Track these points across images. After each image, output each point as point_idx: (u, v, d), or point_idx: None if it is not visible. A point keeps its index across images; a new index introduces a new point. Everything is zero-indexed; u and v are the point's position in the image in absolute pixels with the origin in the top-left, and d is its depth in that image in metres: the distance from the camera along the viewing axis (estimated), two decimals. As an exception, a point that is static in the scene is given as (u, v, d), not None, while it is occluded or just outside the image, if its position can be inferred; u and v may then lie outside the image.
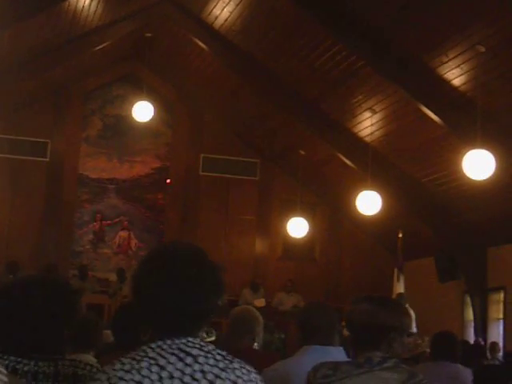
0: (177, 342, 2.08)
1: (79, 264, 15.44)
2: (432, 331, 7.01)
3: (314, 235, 16.33)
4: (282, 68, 13.27)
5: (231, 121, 16.60)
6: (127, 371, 2.02)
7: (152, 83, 15.93)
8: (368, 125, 13.02)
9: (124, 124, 16.18)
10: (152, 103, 13.93)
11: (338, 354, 3.72)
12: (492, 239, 13.33)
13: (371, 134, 13.12)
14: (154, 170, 16.68)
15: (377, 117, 12.74)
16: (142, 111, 13.89)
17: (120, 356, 2.11)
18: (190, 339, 2.10)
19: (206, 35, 13.34)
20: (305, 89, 13.48)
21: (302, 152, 15.27)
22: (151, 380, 2.00)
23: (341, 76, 12.21)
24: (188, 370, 2.03)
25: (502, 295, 13.68)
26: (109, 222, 16.28)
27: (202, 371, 2.04)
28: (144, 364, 2.03)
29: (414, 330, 12.57)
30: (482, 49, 9.57)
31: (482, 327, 13.68)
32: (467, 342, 10.27)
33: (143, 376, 2.00)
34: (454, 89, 10.70)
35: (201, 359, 2.06)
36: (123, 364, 2.05)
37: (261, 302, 14.67)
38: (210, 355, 2.09)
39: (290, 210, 15.82)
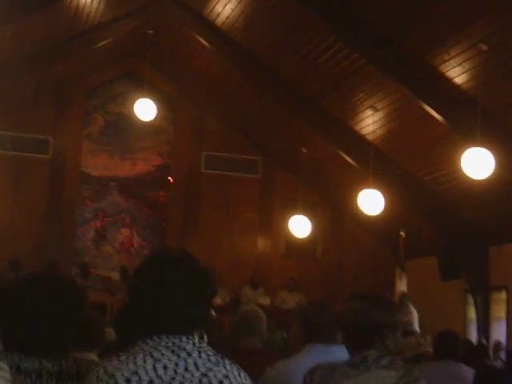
0: (171, 338, 2.19)
1: (81, 262, 15.45)
2: (434, 330, 7.01)
3: (315, 233, 16.27)
4: (284, 66, 13.26)
5: (233, 118, 16.58)
6: (123, 362, 2.13)
7: (154, 80, 15.87)
8: (370, 123, 13.01)
9: (126, 121, 16.14)
10: (154, 100, 13.88)
11: (340, 352, 3.70)
12: (494, 238, 13.31)
13: (373, 131, 13.10)
14: (156, 168, 16.66)
15: (378, 115, 12.72)
16: (144, 109, 13.86)
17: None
18: (184, 337, 2.21)
19: (208, 32, 13.33)
20: (307, 87, 13.47)
21: (304, 150, 15.25)
22: (146, 369, 2.10)
23: (343, 74, 12.19)
24: (182, 363, 2.15)
25: (504, 294, 13.65)
26: (110, 219, 16.28)
27: (195, 364, 2.16)
28: (139, 356, 2.14)
29: (417, 329, 12.57)
30: (484, 47, 9.54)
31: (484, 326, 13.66)
32: (469, 341, 10.25)
33: (138, 365, 2.11)
34: (456, 87, 10.68)
35: (194, 353, 2.18)
36: (119, 356, 2.16)
37: (266, 300, 14.67)
38: (202, 351, 2.20)
39: (292, 208, 15.80)
